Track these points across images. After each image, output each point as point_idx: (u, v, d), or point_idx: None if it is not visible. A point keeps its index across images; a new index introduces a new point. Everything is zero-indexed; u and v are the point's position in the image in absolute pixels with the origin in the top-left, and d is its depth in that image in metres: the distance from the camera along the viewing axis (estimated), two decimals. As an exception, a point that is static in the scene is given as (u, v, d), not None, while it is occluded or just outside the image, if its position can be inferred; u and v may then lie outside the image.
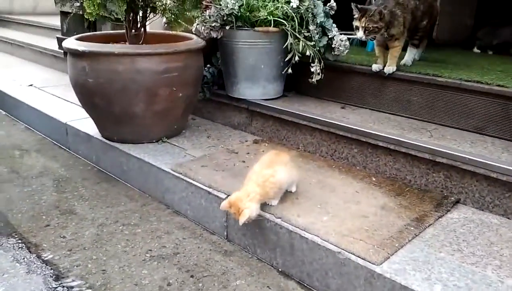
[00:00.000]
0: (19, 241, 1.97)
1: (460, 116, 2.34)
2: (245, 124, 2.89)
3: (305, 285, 1.76)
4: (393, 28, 2.42)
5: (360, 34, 2.37)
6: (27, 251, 1.90)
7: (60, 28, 4.59)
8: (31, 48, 5.18)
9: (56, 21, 5.00)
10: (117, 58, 2.36)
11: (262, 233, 1.89)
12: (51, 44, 4.82)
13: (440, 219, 1.89)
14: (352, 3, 2.40)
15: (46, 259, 1.85)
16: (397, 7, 2.44)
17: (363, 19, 2.34)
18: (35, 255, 1.87)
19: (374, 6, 2.40)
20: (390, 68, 2.50)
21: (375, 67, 2.56)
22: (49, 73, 4.61)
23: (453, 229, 1.82)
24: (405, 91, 2.51)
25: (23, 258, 1.85)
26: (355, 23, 2.40)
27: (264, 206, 1.89)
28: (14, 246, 1.93)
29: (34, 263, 1.81)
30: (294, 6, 2.51)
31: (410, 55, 2.69)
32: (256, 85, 2.76)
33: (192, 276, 1.77)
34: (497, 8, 3.74)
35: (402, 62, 2.65)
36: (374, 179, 2.22)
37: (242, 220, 1.73)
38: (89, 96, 2.51)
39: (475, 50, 3.56)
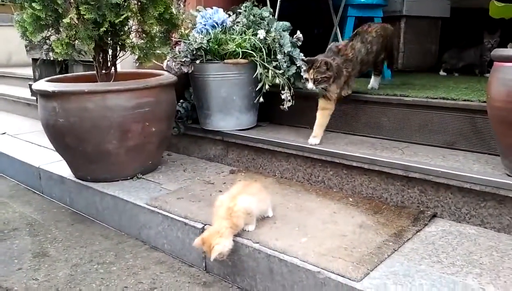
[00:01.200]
0: (-12, 287, 1.89)
1: (430, 133, 2.38)
2: (221, 156, 2.89)
3: (287, 310, 1.71)
4: (333, 84, 2.36)
5: (310, 85, 2.33)
6: (-4, 296, 1.82)
7: (32, 77, 4.60)
8: (4, 98, 5.15)
9: (29, 71, 5.00)
10: (87, 96, 2.36)
11: (241, 260, 1.85)
12: (25, 93, 4.80)
13: (418, 233, 1.88)
14: (302, 58, 2.45)
15: (16, 303, 1.77)
16: (345, 65, 2.42)
17: (311, 70, 2.31)
18: (5, 299, 1.79)
19: (321, 57, 2.37)
20: (314, 140, 2.42)
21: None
22: (23, 121, 4.57)
23: (432, 242, 1.81)
24: (376, 114, 2.56)
25: (-8, 304, 1.76)
26: (304, 75, 2.38)
27: (241, 232, 1.87)
28: (-18, 292, 1.85)
29: (4, 308, 1.73)
30: (261, 37, 2.58)
31: (375, 81, 2.77)
32: (229, 117, 2.77)
33: (170, 309, 1.71)
34: (460, 33, 3.90)
35: (369, 86, 2.75)
36: (351, 199, 2.22)
37: (213, 256, 1.71)
38: (60, 136, 2.48)
39: (441, 73, 3.67)
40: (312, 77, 2.31)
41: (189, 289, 1.85)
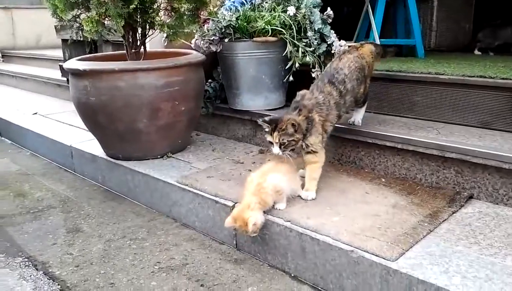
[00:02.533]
0: (26, 260, 1.94)
1: (466, 113, 2.31)
2: (249, 136, 2.88)
3: (319, 288, 1.70)
4: (310, 136, 1.96)
5: (275, 150, 1.93)
6: (34, 268, 1.86)
7: (63, 59, 4.65)
8: (34, 79, 5.24)
9: (59, 53, 5.07)
10: (118, 75, 2.37)
11: (272, 238, 1.84)
12: (55, 74, 4.88)
13: (454, 214, 1.84)
14: (258, 120, 2.00)
15: (53, 275, 1.81)
16: (316, 109, 1.97)
17: (275, 133, 1.90)
18: (42, 272, 1.83)
19: (286, 115, 1.95)
20: (309, 194, 1.98)
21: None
22: (53, 102, 4.65)
23: (469, 223, 1.77)
24: (409, 92, 2.49)
25: (30, 276, 1.81)
26: (268, 137, 1.96)
27: (272, 211, 1.86)
28: (20, 265, 1.89)
29: (41, 280, 1.77)
30: (291, 14, 2.53)
31: (359, 113, 2.34)
32: (258, 96, 2.75)
33: (202, 285, 1.72)
34: (495, 10, 3.75)
35: (351, 120, 2.33)
36: (383, 180, 2.18)
37: (250, 227, 1.71)
38: (92, 115, 2.51)
39: (476, 52, 3.55)
40: (277, 141, 1.91)
41: (220, 265, 1.86)
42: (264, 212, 1.83)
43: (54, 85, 4.87)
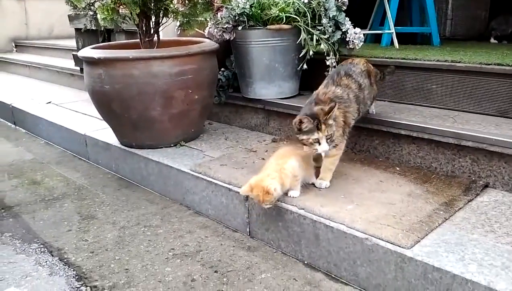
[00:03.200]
0: (41, 246, 1.96)
1: (482, 101, 2.27)
2: (262, 125, 2.87)
3: (333, 276, 1.70)
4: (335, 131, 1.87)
5: (324, 146, 1.80)
6: (49, 254, 1.89)
7: (76, 48, 4.67)
8: (48, 69, 5.28)
9: (72, 43, 5.09)
10: (132, 63, 2.37)
11: (285, 226, 1.84)
12: (68, 64, 4.91)
13: (469, 202, 1.82)
14: (298, 118, 1.80)
15: (68, 261, 1.83)
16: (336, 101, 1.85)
17: (323, 127, 1.77)
18: (58, 258, 1.86)
19: (313, 108, 1.82)
20: (323, 183, 1.96)
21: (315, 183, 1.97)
22: (67, 91, 4.68)
23: (484, 212, 1.75)
24: (425, 80, 2.46)
25: (46, 261, 1.83)
26: (312, 136, 1.78)
27: (286, 198, 1.86)
28: (36, 251, 1.92)
29: (57, 266, 1.80)
30: (306, 1, 2.51)
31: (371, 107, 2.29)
32: (271, 85, 2.74)
33: (216, 272, 1.73)
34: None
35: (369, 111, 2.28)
36: (398, 169, 2.16)
37: (267, 197, 1.70)
38: (106, 103, 2.52)
39: (492, 41, 3.49)
40: (326, 134, 1.78)
41: (234, 252, 1.86)
42: (278, 200, 1.83)
43: (67, 75, 4.90)
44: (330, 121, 1.80)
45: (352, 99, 1.97)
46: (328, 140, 1.81)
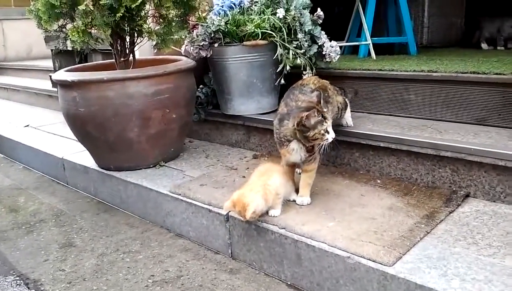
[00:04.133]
0: (17, 278, 1.89)
1: (460, 110, 2.28)
2: (243, 141, 2.84)
3: (317, 296, 1.67)
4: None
5: (333, 133, 1.81)
6: (25, 287, 1.82)
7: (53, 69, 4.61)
8: (26, 91, 5.21)
9: (50, 63, 5.03)
10: (107, 85, 2.33)
11: (267, 246, 1.81)
12: (46, 85, 4.83)
13: (451, 214, 1.81)
14: (309, 113, 1.76)
15: (44, 294, 1.77)
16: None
17: (326, 115, 1.80)
18: (34, 290, 1.79)
19: (296, 111, 1.82)
20: (305, 200, 1.94)
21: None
22: (45, 113, 4.61)
23: (466, 223, 1.74)
24: (402, 91, 2.46)
25: (21, 295, 1.77)
26: (322, 127, 1.77)
27: (267, 218, 1.82)
28: (12, 284, 1.85)
29: (33, 299, 1.74)
30: (281, 16, 2.50)
31: (347, 114, 2.31)
32: (250, 101, 2.72)
33: (197, 298, 1.69)
34: (487, 4, 3.73)
35: (343, 123, 2.30)
36: (379, 181, 2.15)
37: (248, 214, 1.69)
38: (81, 126, 2.47)
39: (484, 46, 3.53)
40: (331, 121, 1.83)
41: (215, 276, 1.82)
42: (259, 219, 1.80)
43: (45, 96, 4.83)
44: (325, 108, 1.82)
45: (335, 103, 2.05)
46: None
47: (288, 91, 2.03)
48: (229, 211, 1.85)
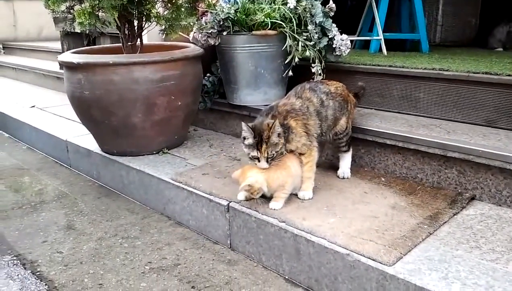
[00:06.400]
0: (14, 258, 1.89)
1: (470, 110, 2.23)
2: (247, 132, 2.81)
3: (314, 292, 1.64)
4: (290, 144, 1.85)
5: (263, 165, 1.77)
6: (22, 267, 1.82)
7: (61, 51, 4.60)
8: (34, 72, 5.20)
9: (60, 45, 5.02)
10: (112, 68, 2.31)
11: (267, 239, 1.78)
12: (54, 66, 4.82)
13: (455, 216, 1.77)
14: (242, 123, 1.80)
15: (41, 275, 1.76)
16: (291, 115, 1.86)
17: (263, 147, 1.75)
18: (30, 271, 1.79)
19: (265, 120, 1.81)
20: (306, 194, 1.91)
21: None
22: (52, 95, 4.60)
23: (470, 226, 1.70)
24: (412, 88, 2.41)
25: (17, 275, 1.76)
26: (252, 152, 1.78)
27: (267, 210, 1.80)
28: (8, 263, 1.85)
29: (29, 280, 1.73)
30: (292, 7, 2.45)
31: (345, 161, 2.16)
32: (257, 91, 2.68)
33: (193, 287, 1.67)
34: (503, 5, 3.65)
35: (339, 174, 2.16)
36: (383, 179, 2.12)
37: (242, 185, 1.74)
38: (86, 109, 2.45)
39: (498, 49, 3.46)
40: (265, 155, 1.76)
41: (213, 266, 1.80)
42: (259, 212, 1.78)
43: (53, 78, 4.82)
44: (274, 139, 1.76)
45: (313, 112, 1.93)
46: (269, 160, 1.78)
47: (300, 85, 2.03)
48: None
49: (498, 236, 1.63)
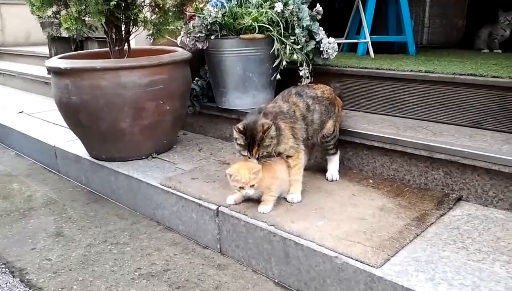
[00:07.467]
0: (3, 266, 1.87)
1: (456, 112, 2.26)
2: (237, 135, 2.81)
3: (303, 295, 1.65)
4: (279, 145, 1.87)
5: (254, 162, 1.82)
6: (10, 275, 1.80)
7: (49, 56, 4.57)
8: (22, 77, 5.16)
9: (47, 50, 4.98)
10: (99, 73, 2.30)
11: (256, 243, 1.79)
12: (42, 71, 4.79)
13: (442, 217, 1.79)
14: (233, 129, 1.84)
15: (30, 282, 1.75)
16: (280, 117, 1.90)
17: (255, 149, 1.78)
18: (19, 279, 1.78)
19: (259, 119, 1.82)
20: (295, 197, 1.91)
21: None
22: (40, 100, 4.57)
23: (457, 227, 1.72)
24: (399, 91, 2.44)
25: (6, 283, 1.75)
26: (243, 152, 1.83)
27: (256, 214, 1.81)
28: (-4, 272, 1.84)
29: (17, 288, 1.72)
30: (279, 10, 2.46)
31: (333, 163, 2.17)
32: (245, 95, 2.69)
33: (183, 292, 1.67)
34: (489, 6, 3.70)
35: (328, 176, 2.16)
36: (371, 181, 2.13)
37: (229, 170, 1.79)
38: (73, 114, 2.44)
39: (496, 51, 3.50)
40: (257, 156, 1.79)
41: (203, 271, 1.80)
42: (248, 215, 1.78)
43: (41, 83, 4.79)
44: (267, 142, 1.79)
45: (299, 117, 1.96)
46: (260, 159, 1.81)
47: (287, 90, 2.06)
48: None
49: (484, 236, 1.65)
